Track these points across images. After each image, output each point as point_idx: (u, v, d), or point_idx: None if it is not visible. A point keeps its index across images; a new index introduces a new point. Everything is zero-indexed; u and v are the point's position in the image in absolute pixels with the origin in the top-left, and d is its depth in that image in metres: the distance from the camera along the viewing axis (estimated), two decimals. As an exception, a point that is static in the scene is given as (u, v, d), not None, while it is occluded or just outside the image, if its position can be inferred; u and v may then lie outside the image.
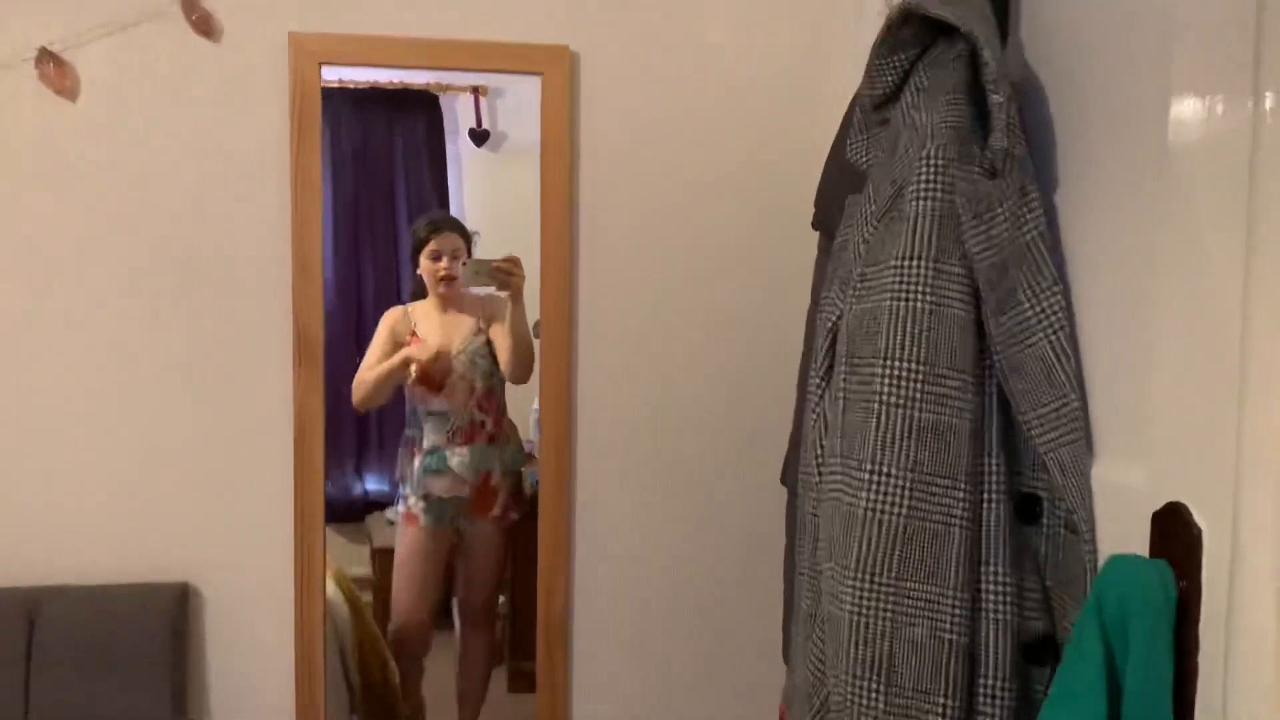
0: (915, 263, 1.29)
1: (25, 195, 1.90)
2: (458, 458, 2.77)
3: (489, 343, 2.79)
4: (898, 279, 1.29)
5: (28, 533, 1.92)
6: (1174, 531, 1.06)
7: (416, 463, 2.81)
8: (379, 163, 3.74)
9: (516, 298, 2.52)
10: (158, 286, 1.94)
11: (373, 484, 3.66)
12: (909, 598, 1.26)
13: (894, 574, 1.26)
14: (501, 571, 2.95)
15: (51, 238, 1.91)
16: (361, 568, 3.51)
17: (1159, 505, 1.08)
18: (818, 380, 1.45)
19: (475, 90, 3.69)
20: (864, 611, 1.26)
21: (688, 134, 2.08)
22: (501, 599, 3.41)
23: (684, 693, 2.16)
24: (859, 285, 1.36)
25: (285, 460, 1.96)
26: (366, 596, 3.18)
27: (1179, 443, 1.07)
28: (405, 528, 2.85)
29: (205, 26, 1.87)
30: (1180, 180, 1.06)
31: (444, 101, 3.77)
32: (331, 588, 2.77)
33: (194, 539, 1.97)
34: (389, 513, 2.95)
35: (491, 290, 2.63)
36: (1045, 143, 1.35)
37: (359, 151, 3.77)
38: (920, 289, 1.28)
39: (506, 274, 2.49)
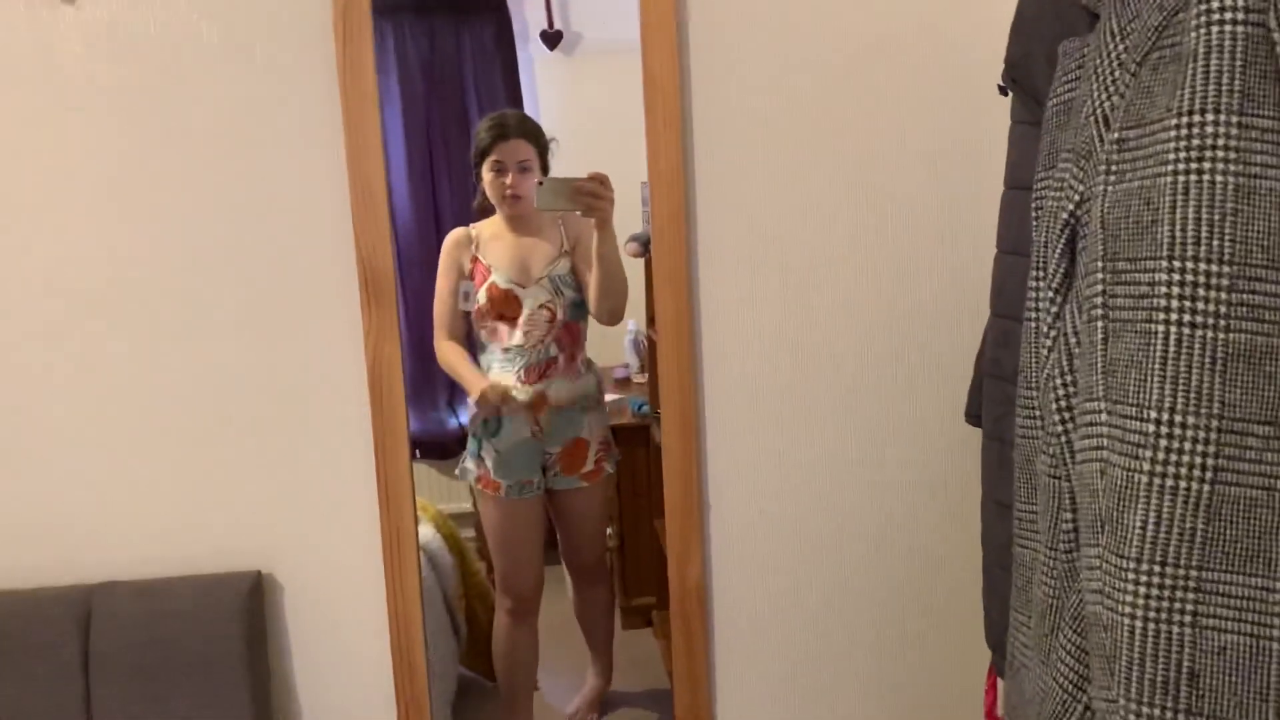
0: (1209, 117, 0.90)
1: (27, 119, 1.60)
2: (524, 396, 2.41)
3: (574, 269, 2.41)
4: (1184, 143, 0.91)
5: (73, 524, 1.68)
6: None
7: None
8: (449, 75, 3.45)
9: (604, 224, 2.10)
10: (196, 228, 1.65)
11: (467, 417, 3.43)
12: (1218, 594, 0.90)
13: (1195, 563, 0.90)
14: (605, 527, 2.65)
15: (62, 171, 1.62)
16: (462, 502, 3.27)
17: None
18: (1051, 294, 1.07)
19: (544, -13, 3.36)
20: (1154, 616, 0.91)
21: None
22: (609, 530, 3.16)
23: (856, 675, 1.84)
24: (1117, 157, 0.97)
25: (363, 420, 1.66)
26: (468, 532, 2.95)
27: None
28: (486, 496, 2.51)
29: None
30: None
31: (512, 3, 3.46)
32: (431, 532, 2.53)
33: (265, 520, 1.70)
34: (458, 470, 2.60)
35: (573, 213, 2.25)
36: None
37: (427, 64, 3.48)
38: (1219, 155, 0.89)
39: (592, 195, 2.04)
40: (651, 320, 2.04)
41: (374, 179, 1.59)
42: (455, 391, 3.49)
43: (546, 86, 3.43)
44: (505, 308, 2.39)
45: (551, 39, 3.39)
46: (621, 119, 1.95)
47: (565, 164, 2.65)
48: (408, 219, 3.04)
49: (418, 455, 2.73)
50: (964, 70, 1.63)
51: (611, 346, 3.10)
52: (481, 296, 2.39)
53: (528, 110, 3.33)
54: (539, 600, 2.62)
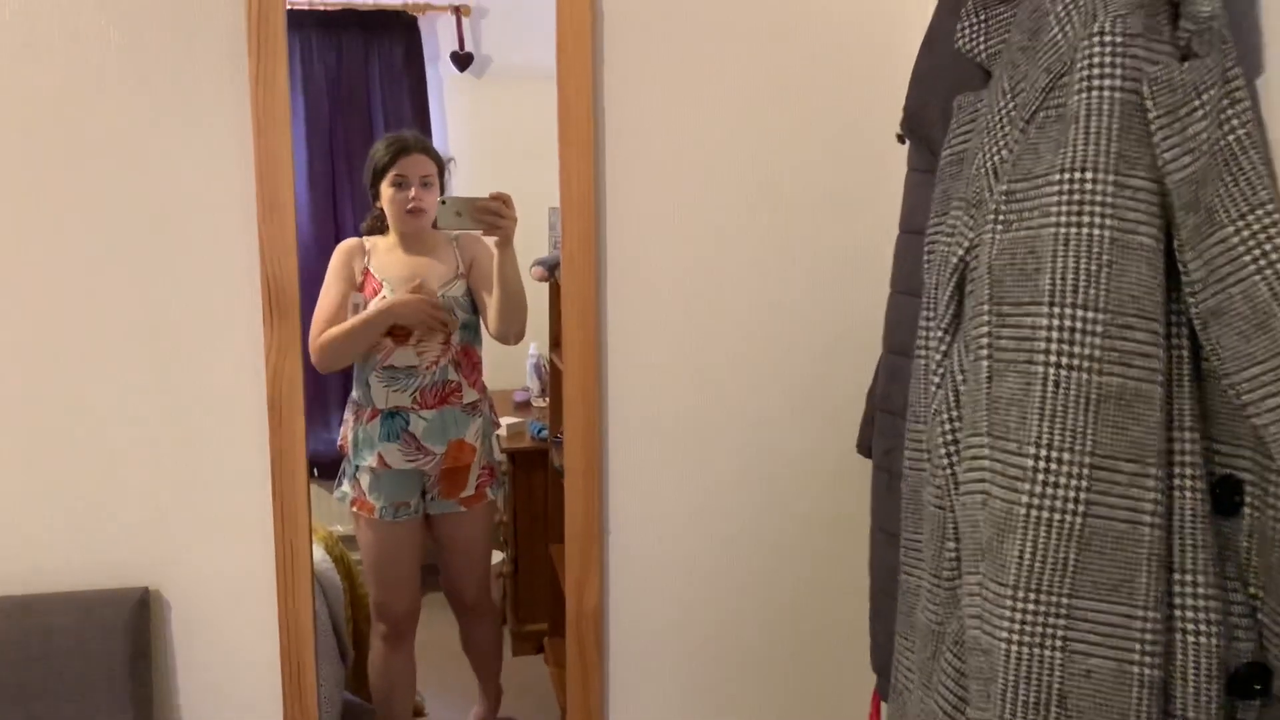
0: (1089, 175, 0.97)
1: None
2: (423, 423, 2.40)
3: (468, 288, 2.40)
4: (1066, 198, 0.98)
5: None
6: None
7: (367, 429, 2.43)
8: (355, 92, 3.43)
9: (505, 243, 2.11)
10: (97, 236, 1.61)
11: (339, 438, 3.39)
12: (1087, 620, 0.96)
13: (1067, 591, 0.96)
14: (488, 556, 2.62)
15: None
16: (351, 524, 3.23)
17: None
18: (940, 334, 1.13)
19: (457, 10, 3.38)
20: (1028, 640, 0.97)
21: (737, 41, 1.75)
22: (501, 557, 3.15)
23: (747, 697, 1.88)
24: (1005, 208, 1.04)
25: (260, 435, 1.64)
26: (358, 555, 2.92)
27: None
28: (361, 519, 2.48)
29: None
30: None
31: (423, 23, 3.48)
32: (320, 554, 2.48)
33: (154, 535, 1.65)
34: (337, 493, 2.56)
35: (474, 233, 2.25)
36: (1241, 9, 1.03)
37: (334, 80, 3.45)
38: (1097, 210, 0.97)
39: (495, 215, 2.07)
40: (554, 344, 2.04)
41: (282, 193, 1.58)
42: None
43: (455, 107, 3.44)
44: (397, 329, 2.37)
45: (461, 61, 3.40)
46: (528, 143, 2.01)
47: (471, 185, 2.66)
48: (308, 235, 3.00)
49: (315, 474, 2.69)
50: (865, 117, 1.70)
51: (512, 370, 3.11)
52: (373, 309, 2.36)
53: (435, 130, 3.34)
54: (414, 626, 2.58)
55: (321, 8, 3.27)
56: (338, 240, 3.32)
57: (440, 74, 3.43)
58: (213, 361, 1.64)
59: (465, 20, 3.37)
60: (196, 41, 1.59)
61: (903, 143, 1.46)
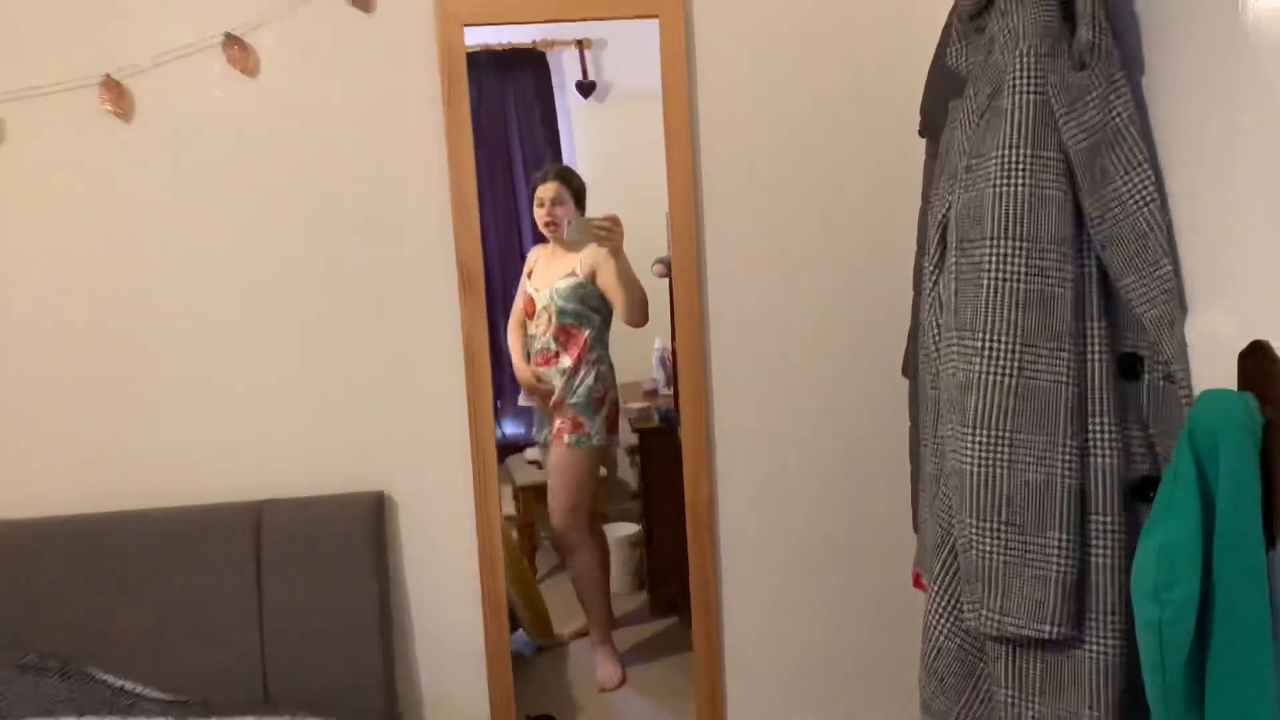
0: (1014, 151, 1.42)
1: (221, 162, 2.16)
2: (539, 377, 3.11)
3: (582, 285, 3.01)
4: (999, 167, 1.43)
5: (249, 453, 2.22)
6: (1258, 367, 1.19)
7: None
8: (494, 121, 3.96)
9: (616, 252, 2.80)
10: (341, 233, 2.19)
11: (510, 428, 3.92)
12: (1023, 447, 1.40)
13: (1008, 427, 1.41)
14: (570, 492, 3.08)
15: (246, 199, 2.18)
16: (506, 506, 3.77)
17: (1244, 346, 1.21)
18: (931, 269, 1.61)
19: (579, 44, 3.88)
20: (983, 461, 1.42)
21: (799, 60, 2.23)
22: (636, 529, 3.61)
23: (824, 565, 2.36)
24: (965, 177, 1.51)
25: (458, 382, 2.20)
26: (513, 532, 3.46)
27: (1260, 289, 1.21)
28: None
29: (362, 2, 2.11)
30: (1259, 51, 1.18)
31: (550, 57, 3.98)
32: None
33: (386, 454, 2.23)
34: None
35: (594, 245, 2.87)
36: (1130, 32, 1.46)
37: (475, 112, 3.99)
38: (1020, 174, 1.41)
39: (606, 231, 2.73)
40: (675, 336, 2.39)
41: (469, 198, 2.14)
42: (500, 404, 4.02)
43: (581, 130, 3.96)
44: (529, 307, 3.11)
45: (585, 88, 3.91)
46: (646, 156, 2.39)
47: (595, 195, 3.20)
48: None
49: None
50: (897, 120, 2.14)
51: (642, 364, 3.60)
52: (520, 297, 3.13)
53: (565, 151, 3.87)
54: (563, 535, 3.12)
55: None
56: (485, 253, 3.93)
57: (567, 101, 3.96)
58: (424, 326, 2.21)
59: (587, 52, 3.89)
60: (405, 92, 2.17)
61: (922, 137, 1.93)
